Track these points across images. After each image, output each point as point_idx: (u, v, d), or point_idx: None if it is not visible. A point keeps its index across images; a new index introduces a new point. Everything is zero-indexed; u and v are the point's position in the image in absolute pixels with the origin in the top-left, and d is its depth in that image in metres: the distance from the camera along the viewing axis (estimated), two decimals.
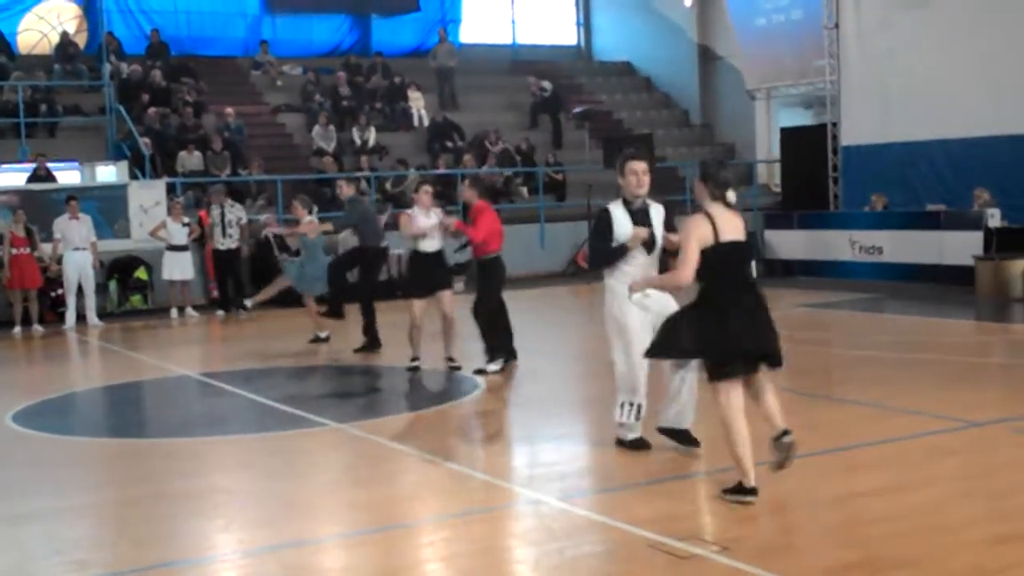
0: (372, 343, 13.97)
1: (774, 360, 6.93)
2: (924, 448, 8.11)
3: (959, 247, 18.02)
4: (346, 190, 14.72)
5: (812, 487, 7.10)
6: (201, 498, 7.63)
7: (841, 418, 9.31)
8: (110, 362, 14.88)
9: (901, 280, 19.12)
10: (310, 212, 14.87)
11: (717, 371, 6.82)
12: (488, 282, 12.07)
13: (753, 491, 6.78)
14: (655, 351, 7.27)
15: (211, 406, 11.33)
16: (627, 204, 7.97)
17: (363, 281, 14.36)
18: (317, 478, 8.08)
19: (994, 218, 17.86)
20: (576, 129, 26.98)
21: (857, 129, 22.02)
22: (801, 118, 26.05)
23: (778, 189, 25.31)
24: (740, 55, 25.47)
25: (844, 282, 19.62)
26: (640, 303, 7.79)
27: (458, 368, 12.06)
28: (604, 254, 8.05)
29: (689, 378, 7.85)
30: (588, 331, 12.54)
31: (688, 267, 6.80)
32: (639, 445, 8.15)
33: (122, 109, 22.13)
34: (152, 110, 22.83)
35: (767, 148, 26.64)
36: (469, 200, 12.12)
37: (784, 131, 24.41)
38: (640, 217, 7.90)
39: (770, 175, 26.75)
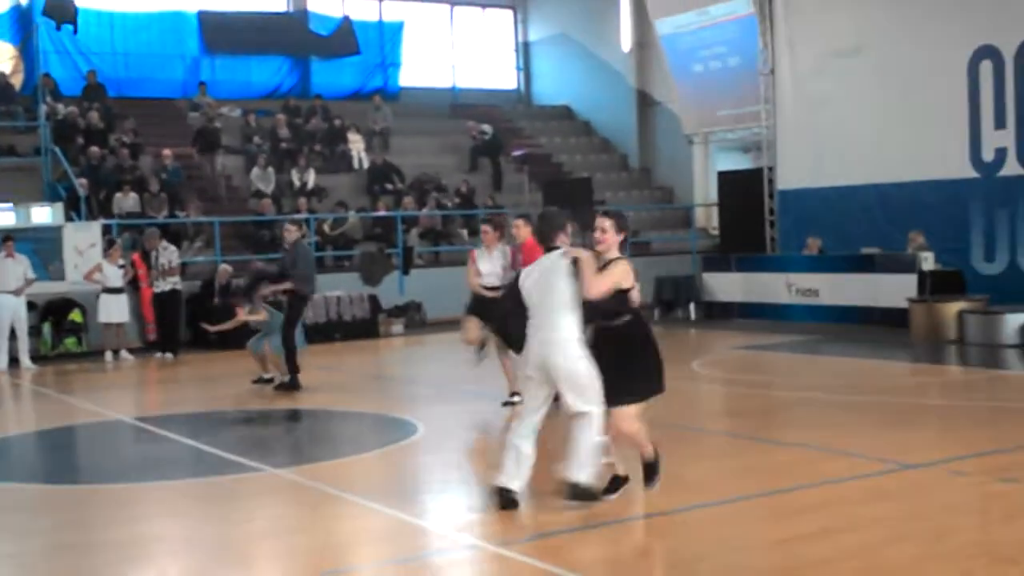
0: (292, 383, 13.85)
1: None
2: (861, 491, 8.15)
3: (893, 290, 18.24)
4: (293, 233, 14.23)
5: (748, 531, 7.11)
6: (132, 546, 7.48)
7: (777, 461, 9.34)
8: (42, 406, 14.63)
9: (837, 322, 19.32)
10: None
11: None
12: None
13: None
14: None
15: (145, 451, 11.15)
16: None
17: (288, 325, 14.12)
18: (252, 525, 7.96)
19: (927, 261, 18.11)
20: (516, 172, 27.11)
21: (793, 173, 22.29)
22: (738, 162, 26.34)
23: (716, 232, 25.53)
24: (677, 100, 25.73)
25: (781, 324, 19.78)
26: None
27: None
28: None
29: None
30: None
31: (597, 287, 7.43)
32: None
33: (57, 150, 21.90)
34: (94, 148, 22.64)
35: (705, 192, 26.89)
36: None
37: (721, 175, 24.65)
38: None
39: (708, 218, 26.98)
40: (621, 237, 7.92)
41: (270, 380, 14.36)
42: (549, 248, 7.68)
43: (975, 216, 18.91)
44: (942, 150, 19.19)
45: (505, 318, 9.25)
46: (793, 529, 7.18)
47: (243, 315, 14.42)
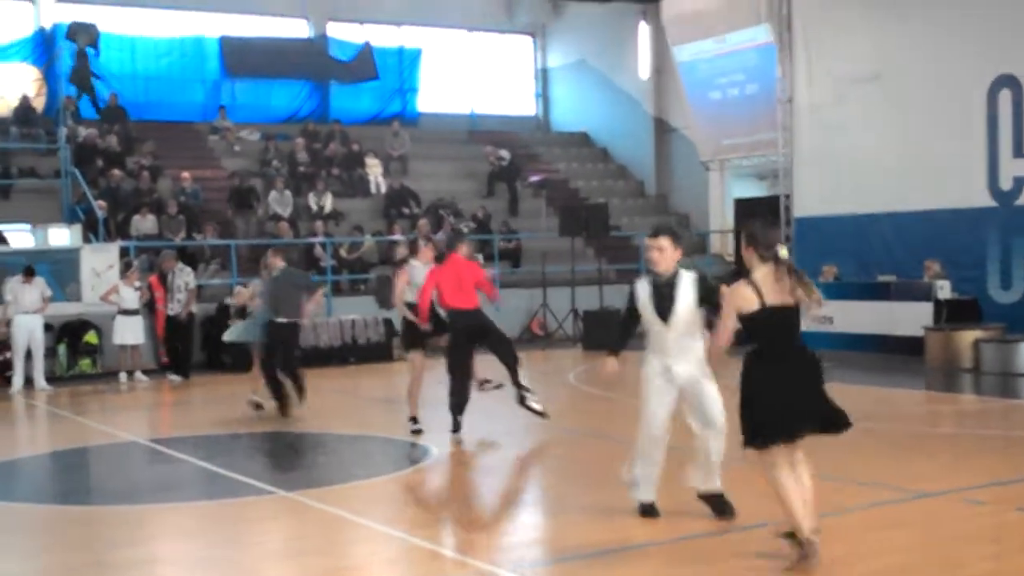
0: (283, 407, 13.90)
1: (828, 426, 7.06)
2: (876, 519, 8.10)
3: (909, 318, 18.17)
4: (277, 262, 14.22)
5: (762, 559, 7.06)
6: (144, 567, 7.49)
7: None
8: (57, 427, 14.66)
9: (851, 349, 19.22)
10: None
11: (756, 438, 6.89)
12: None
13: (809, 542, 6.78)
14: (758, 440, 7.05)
15: (158, 473, 11.17)
16: (654, 278, 7.96)
17: (289, 355, 14.13)
18: (263, 548, 7.96)
19: (943, 290, 18.05)
20: (533, 198, 27.15)
21: (809, 201, 22.26)
22: (754, 189, 26.34)
23: (732, 259, 25.50)
24: (694, 127, 25.76)
25: None
26: (665, 375, 7.85)
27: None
28: (615, 330, 8.39)
29: (713, 445, 7.87)
30: (544, 401, 12.47)
31: (722, 333, 6.96)
32: (645, 512, 8.05)
33: (77, 172, 22.03)
34: (116, 171, 22.78)
35: (721, 218, 26.90)
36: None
37: (738, 202, 24.65)
38: (665, 291, 7.86)
39: (724, 245, 26.97)
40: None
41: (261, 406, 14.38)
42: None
43: (992, 244, 18.82)
44: (960, 178, 19.13)
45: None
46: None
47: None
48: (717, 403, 7.84)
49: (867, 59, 20.73)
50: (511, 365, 12.01)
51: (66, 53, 26.02)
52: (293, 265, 16.45)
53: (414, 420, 12.25)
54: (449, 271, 11.89)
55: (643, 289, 7.95)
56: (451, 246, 12.24)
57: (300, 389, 13.89)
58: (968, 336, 17.05)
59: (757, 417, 6.86)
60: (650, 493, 8.04)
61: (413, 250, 12.89)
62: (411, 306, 12.25)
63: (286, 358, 14.00)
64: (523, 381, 12.05)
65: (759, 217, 8.19)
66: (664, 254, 7.82)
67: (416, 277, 12.25)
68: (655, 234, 7.98)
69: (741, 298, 6.89)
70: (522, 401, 12.08)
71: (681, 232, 7.83)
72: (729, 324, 6.92)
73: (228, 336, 15.59)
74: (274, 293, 13.98)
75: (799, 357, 7.09)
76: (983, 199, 18.88)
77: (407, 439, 12.04)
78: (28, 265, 17.87)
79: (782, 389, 6.85)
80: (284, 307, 13.87)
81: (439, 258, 12.35)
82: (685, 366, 7.85)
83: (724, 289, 7.30)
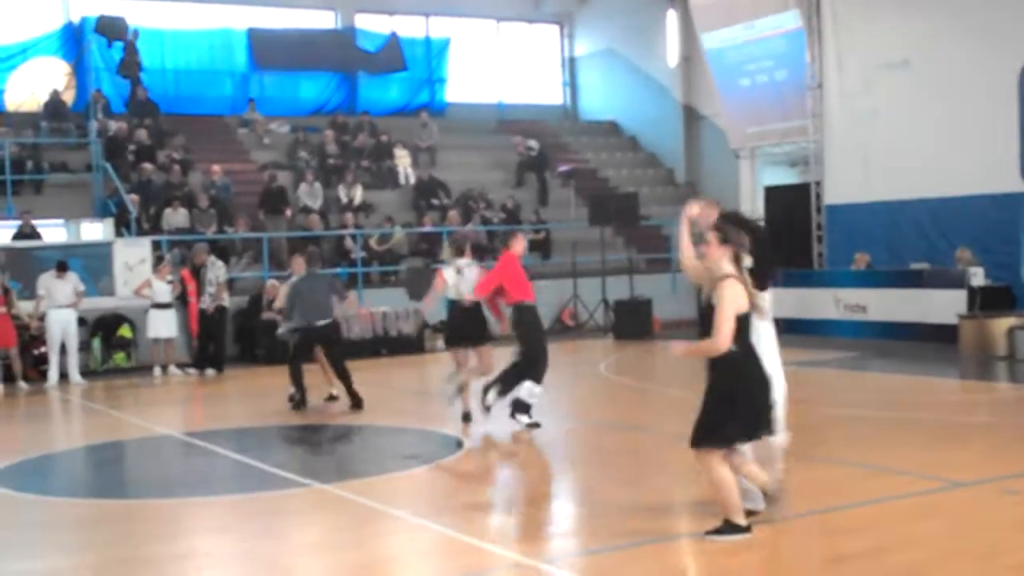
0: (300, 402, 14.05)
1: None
2: (910, 509, 8.08)
3: (943, 305, 18.07)
4: (298, 267, 14.46)
5: (797, 549, 7.06)
6: (181, 561, 7.55)
7: (826, 478, 9.27)
8: (92, 421, 14.78)
9: (885, 338, 19.15)
10: None
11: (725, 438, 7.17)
12: None
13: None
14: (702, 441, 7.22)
15: (193, 466, 11.24)
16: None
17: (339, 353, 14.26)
18: (299, 540, 8.01)
19: (977, 277, 17.94)
20: (562, 187, 27.12)
21: (840, 188, 22.15)
22: (785, 176, 26.18)
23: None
24: (723, 115, 25.65)
25: (829, 340, 19.63)
26: None
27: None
28: None
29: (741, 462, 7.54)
30: (575, 392, 12.47)
31: (723, 335, 6.99)
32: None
33: (108, 166, 22.16)
34: (147, 165, 22.91)
35: (752, 206, 26.74)
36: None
37: (768, 189, 24.53)
38: None
39: None
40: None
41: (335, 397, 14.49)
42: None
43: None
44: (991, 164, 18.99)
45: None
46: (843, 548, 7.10)
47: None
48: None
49: (897, 44, 20.60)
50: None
51: (95, 47, 26.17)
52: (323, 259, 16.50)
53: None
54: (517, 267, 12.12)
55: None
56: (506, 243, 12.44)
57: (352, 394, 13.89)
58: (1002, 323, 16.94)
59: (740, 415, 7.10)
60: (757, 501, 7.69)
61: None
62: (453, 304, 12.50)
63: (332, 358, 14.14)
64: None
65: (730, 216, 8.12)
66: (709, 248, 7.53)
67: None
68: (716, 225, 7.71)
69: (742, 298, 7.02)
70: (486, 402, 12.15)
71: (732, 231, 7.55)
72: (731, 324, 6.99)
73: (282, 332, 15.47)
74: (302, 299, 14.04)
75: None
76: (1016, 184, 18.73)
77: (441, 431, 12.08)
78: (61, 260, 17.99)
79: (761, 391, 7.19)
80: (313, 312, 13.95)
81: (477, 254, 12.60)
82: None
83: (722, 288, 7.09)
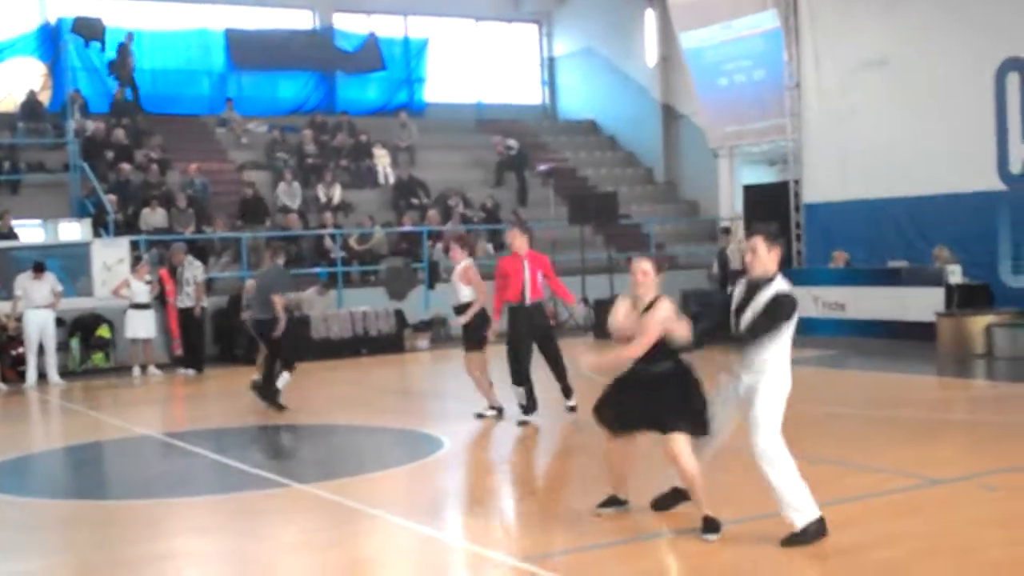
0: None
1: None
2: (890, 506, 8.12)
3: (921, 303, 18.14)
4: (267, 260, 14.75)
5: (777, 547, 7.07)
6: (161, 562, 7.52)
7: (805, 476, 9.26)
8: (71, 422, 14.71)
9: (863, 336, 19.23)
10: None
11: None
12: None
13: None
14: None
15: (172, 467, 11.20)
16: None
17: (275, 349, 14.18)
18: (279, 540, 7.99)
19: (954, 275, 18.02)
20: (542, 187, 27.12)
21: (819, 187, 22.23)
22: (764, 175, 26.28)
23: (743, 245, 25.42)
24: (702, 114, 25.70)
25: (807, 338, 19.57)
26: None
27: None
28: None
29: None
30: (556, 391, 12.47)
31: (647, 344, 7.42)
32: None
33: (86, 166, 22.05)
34: (125, 165, 22.80)
35: (730, 205, 26.83)
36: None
37: (747, 188, 24.60)
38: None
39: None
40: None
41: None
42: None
43: (1003, 228, 18.76)
44: (969, 162, 19.09)
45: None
46: (822, 545, 7.10)
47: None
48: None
49: (874, 44, 20.69)
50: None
51: (71, 48, 26.02)
52: (303, 258, 16.49)
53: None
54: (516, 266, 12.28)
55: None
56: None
57: (268, 382, 13.89)
58: (980, 321, 17.03)
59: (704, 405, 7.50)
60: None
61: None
62: (463, 308, 12.63)
63: (271, 353, 14.05)
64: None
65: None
66: (755, 256, 7.29)
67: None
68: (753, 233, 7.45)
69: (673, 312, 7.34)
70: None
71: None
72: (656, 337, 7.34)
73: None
74: (256, 292, 14.20)
75: None
76: (993, 183, 18.84)
77: (421, 430, 12.07)
78: (37, 261, 17.90)
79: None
80: (256, 306, 14.10)
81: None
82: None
83: (661, 301, 7.43)
